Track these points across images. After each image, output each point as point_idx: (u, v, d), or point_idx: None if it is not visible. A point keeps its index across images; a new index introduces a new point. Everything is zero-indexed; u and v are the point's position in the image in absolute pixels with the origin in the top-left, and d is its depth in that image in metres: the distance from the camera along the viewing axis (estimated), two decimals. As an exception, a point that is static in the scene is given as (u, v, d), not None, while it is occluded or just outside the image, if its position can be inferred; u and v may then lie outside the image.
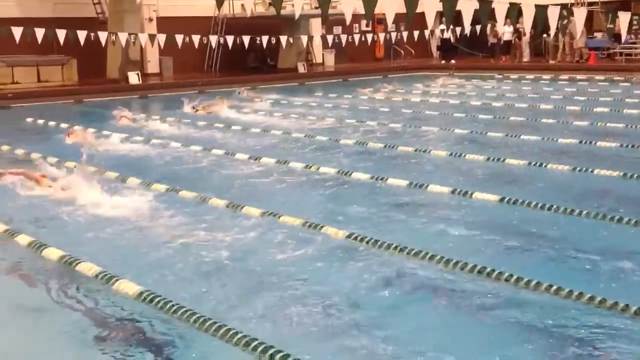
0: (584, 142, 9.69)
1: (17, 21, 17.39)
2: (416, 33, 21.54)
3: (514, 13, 9.51)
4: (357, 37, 22.14)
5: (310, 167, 8.53)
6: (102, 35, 17.20)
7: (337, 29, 26.45)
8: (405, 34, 21.46)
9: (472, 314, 4.26)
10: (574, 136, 10.13)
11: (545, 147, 9.62)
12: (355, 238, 5.58)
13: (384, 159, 9.42)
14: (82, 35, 16.45)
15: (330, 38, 22.47)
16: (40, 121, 14.04)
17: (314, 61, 28.29)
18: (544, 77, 21.37)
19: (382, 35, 23.79)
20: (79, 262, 5.07)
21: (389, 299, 4.48)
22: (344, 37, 22.18)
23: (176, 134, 11.96)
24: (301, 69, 24.84)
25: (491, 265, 4.79)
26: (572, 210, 6.16)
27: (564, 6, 10.07)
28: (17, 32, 15.50)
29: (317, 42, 26.19)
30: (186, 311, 4.13)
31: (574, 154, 9.00)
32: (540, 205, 6.39)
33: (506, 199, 6.63)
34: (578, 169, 7.86)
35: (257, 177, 8.27)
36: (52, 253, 5.34)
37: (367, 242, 5.47)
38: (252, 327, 4.02)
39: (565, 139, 9.92)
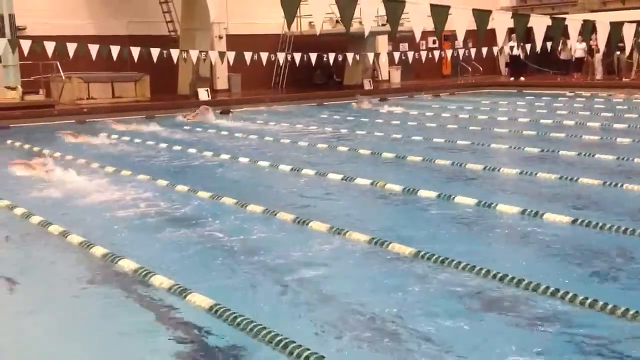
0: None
1: (93, 39, 18.09)
2: (484, 49, 21.31)
3: (588, 30, 9.30)
4: (424, 53, 22.05)
5: (376, 183, 8.50)
6: (174, 53, 17.66)
7: (404, 46, 26.42)
8: (473, 51, 21.24)
9: (546, 335, 4.14)
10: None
11: (621, 166, 9.31)
12: (423, 256, 5.52)
13: (451, 176, 9.31)
14: (155, 52, 16.95)
15: (396, 55, 22.45)
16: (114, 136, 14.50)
17: (380, 78, 28.32)
18: (618, 95, 20.73)
19: (449, 52, 23.63)
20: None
21: (459, 318, 4.40)
22: (410, 54, 22.12)
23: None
24: (367, 85, 24.88)
25: (564, 288, 4.65)
26: (651, 234, 5.93)
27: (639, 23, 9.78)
28: (93, 49, 16.09)
29: (384, 59, 26.20)
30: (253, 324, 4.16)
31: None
32: (615, 227, 6.17)
33: (579, 221, 6.43)
34: (656, 190, 7.58)
35: (324, 194, 8.31)
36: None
37: (435, 260, 5.41)
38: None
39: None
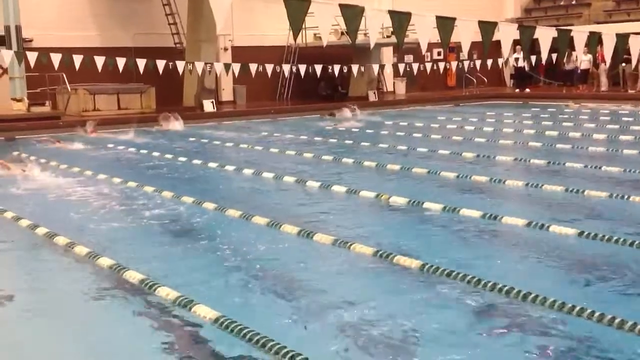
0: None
1: (99, 51, 18.16)
2: (489, 61, 21.33)
3: (594, 42, 9.30)
4: (428, 65, 22.07)
5: (381, 195, 8.48)
6: (180, 65, 17.73)
7: (409, 57, 26.45)
8: (478, 63, 21.26)
9: (552, 348, 4.10)
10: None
11: (628, 179, 9.27)
12: (429, 269, 5.48)
13: (457, 188, 9.28)
14: (160, 64, 17.01)
15: (401, 66, 22.48)
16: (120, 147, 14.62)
17: (385, 89, 28.36)
18: (623, 107, 20.71)
19: (454, 64, 23.65)
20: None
21: (464, 331, 4.37)
22: (415, 66, 22.15)
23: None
24: (372, 97, 24.92)
25: (571, 301, 4.61)
26: (658, 247, 5.89)
27: (646, 34, 9.77)
28: (99, 61, 16.16)
29: (388, 70, 26.24)
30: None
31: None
32: (622, 240, 6.13)
33: (585, 233, 6.40)
34: (663, 202, 7.54)
35: (329, 206, 8.29)
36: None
37: (441, 274, 5.37)
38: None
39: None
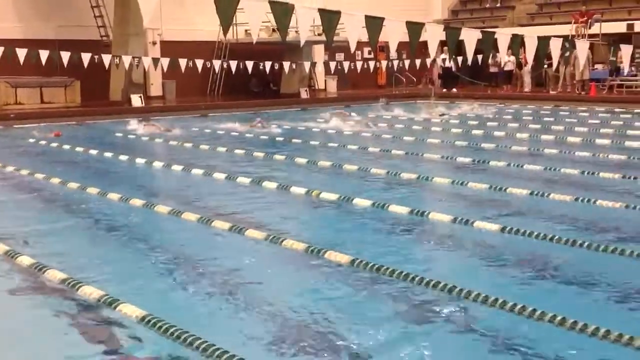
0: (586, 172, 9.69)
1: (21, 43, 17.48)
2: (418, 61, 21.74)
3: (517, 44, 9.61)
4: (359, 64, 22.31)
5: (312, 192, 8.53)
6: (106, 58, 17.32)
7: (340, 56, 26.66)
8: (407, 62, 21.62)
9: (470, 339, 4.23)
10: (575, 166, 10.13)
11: (548, 176, 9.63)
12: (359, 264, 5.55)
13: (386, 185, 9.42)
14: (85, 57, 16.56)
15: (332, 64, 22.65)
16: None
17: (317, 87, 28.48)
18: (545, 107, 21.49)
19: (384, 63, 23.98)
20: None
21: (392, 325, 4.45)
22: (346, 64, 22.33)
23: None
24: (304, 94, 24.99)
25: (494, 294, 4.76)
26: (574, 241, 6.14)
27: (566, 38, 10.18)
28: (21, 53, 15.60)
29: (320, 68, 26.37)
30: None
31: (576, 184, 9.00)
32: (542, 235, 6.37)
33: (507, 228, 6.61)
34: (580, 199, 7.86)
35: (260, 202, 8.28)
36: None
37: (371, 268, 5.45)
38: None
39: (568, 169, 9.93)
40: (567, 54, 21.96)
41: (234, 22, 18.56)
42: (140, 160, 11.51)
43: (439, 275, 5.21)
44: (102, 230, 6.98)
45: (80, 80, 20.42)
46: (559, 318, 4.34)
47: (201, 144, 13.67)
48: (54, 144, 13.82)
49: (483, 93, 25.99)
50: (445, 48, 22.85)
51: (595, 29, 24.17)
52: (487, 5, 32.25)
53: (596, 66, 24.56)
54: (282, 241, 6.22)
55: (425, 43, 9.00)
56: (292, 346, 4.14)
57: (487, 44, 9.35)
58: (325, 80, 28.55)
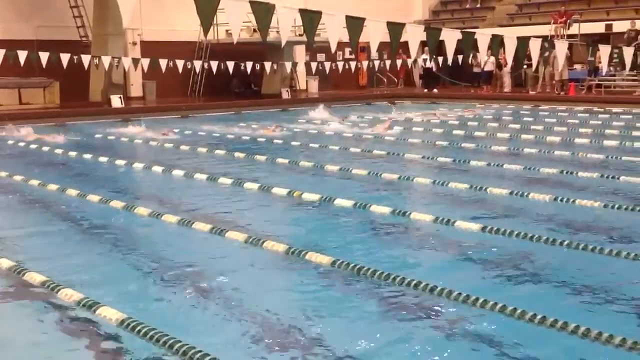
0: (565, 172, 9.77)
1: (-1, 43, 17.31)
2: (399, 62, 21.80)
3: (497, 44, 9.67)
4: (340, 64, 22.33)
5: (293, 192, 8.51)
6: (85, 59, 17.17)
7: (321, 56, 26.67)
8: (388, 63, 21.67)
9: (451, 339, 4.24)
10: (555, 166, 10.21)
11: (527, 176, 9.70)
12: (340, 265, 5.55)
13: (368, 185, 9.43)
14: (65, 58, 16.40)
15: (314, 65, 22.66)
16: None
17: (298, 87, 28.47)
18: (525, 107, 21.66)
19: (365, 63, 24.02)
20: None
21: (374, 325, 4.45)
22: (327, 65, 22.34)
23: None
24: (285, 95, 24.96)
25: (475, 293, 4.78)
26: (554, 240, 6.19)
27: (545, 39, 10.26)
28: (-1, 53, 15.42)
29: (301, 68, 26.35)
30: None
31: (555, 184, 9.07)
32: (522, 234, 6.41)
33: (488, 228, 6.65)
34: (560, 198, 7.92)
35: (241, 201, 8.25)
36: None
37: (352, 269, 5.45)
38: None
39: (547, 169, 10.00)
40: (547, 54, 22.21)
41: (215, 22, 18.52)
42: (120, 162, 11.42)
43: (420, 275, 5.23)
44: (82, 233, 6.92)
45: (60, 81, 20.22)
46: (539, 317, 4.37)
47: (181, 144, 13.60)
48: (33, 146, 13.66)
49: (464, 93, 26.14)
50: (427, 48, 22.93)
51: (574, 29, 24.41)
52: (468, 6, 32.43)
53: (575, 66, 24.79)
54: (262, 242, 6.20)
55: (406, 44, 9.03)
56: (273, 348, 4.13)
57: (467, 45, 9.41)
58: (306, 81, 28.55)
